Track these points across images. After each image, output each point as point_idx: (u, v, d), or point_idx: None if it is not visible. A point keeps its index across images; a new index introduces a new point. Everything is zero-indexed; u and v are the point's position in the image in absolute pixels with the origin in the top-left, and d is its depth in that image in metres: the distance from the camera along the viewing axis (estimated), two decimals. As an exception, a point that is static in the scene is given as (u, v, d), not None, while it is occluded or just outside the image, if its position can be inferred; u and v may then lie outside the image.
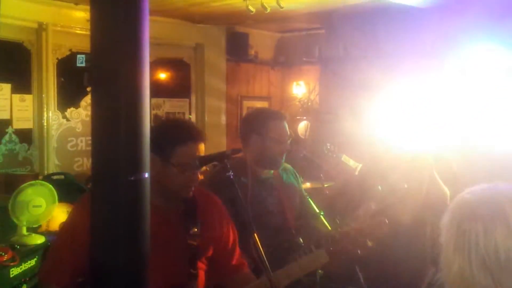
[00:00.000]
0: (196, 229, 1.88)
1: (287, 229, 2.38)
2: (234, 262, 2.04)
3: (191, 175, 1.85)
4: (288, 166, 2.72)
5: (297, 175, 2.75)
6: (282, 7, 4.60)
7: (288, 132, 2.57)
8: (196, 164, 1.83)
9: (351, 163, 4.15)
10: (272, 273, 1.90)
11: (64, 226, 1.93)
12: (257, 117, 2.62)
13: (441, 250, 1.17)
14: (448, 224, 1.17)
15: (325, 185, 4.16)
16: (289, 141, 2.55)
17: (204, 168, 4.15)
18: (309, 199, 2.70)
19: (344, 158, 4.26)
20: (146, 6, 1.36)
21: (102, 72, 1.35)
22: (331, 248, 2.00)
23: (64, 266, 1.76)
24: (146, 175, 1.34)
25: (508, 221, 1.09)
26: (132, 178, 1.29)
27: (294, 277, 1.95)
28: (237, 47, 6.39)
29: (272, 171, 2.59)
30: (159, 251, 1.73)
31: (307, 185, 4.13)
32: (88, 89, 5.39)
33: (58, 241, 1.91)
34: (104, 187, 1.33)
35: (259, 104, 6.72)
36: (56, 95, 5.08)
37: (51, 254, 1.95)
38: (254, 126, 2.55)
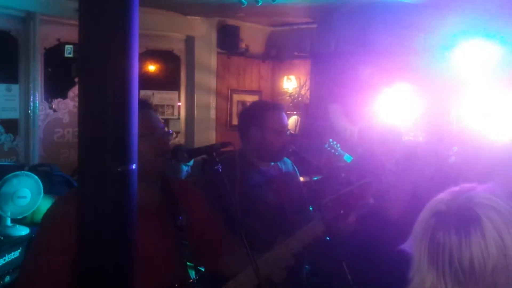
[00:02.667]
0: (181, 221, 1.84)
1: (284, 222, 2.37)
2: (223, 244, 2.02)
3: (159, 138, 1.78)
4: (287, 159, 2.72)
5: (296, 168, 2.75)
6: (273, 0, 4.58)
7: (287, 123, 2.57)
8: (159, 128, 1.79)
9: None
10: (273, 248, 1.90)
11: (43, 225, 1.72)
12: (255, 109, 2.61)
13: (412, 262, 1.08)
14: (420, 235, 1.07)
15: (314, 178, 4.15)
16: (288, 132, 2.55)
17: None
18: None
19: (346, 157, 4.25)
20: (136, -4, 1.34)
21: (90, 63, 1.33)
22: (325, 216, 2.01)
23: (41, 279, 1.63)
24: (134, 166, 1.32)
25: (484, 230, 1.01)
26: (119, 170, 1.27)
27: (294, 250, 1.95)
28: (228, 40, 6.35)
29: (272, 163, 2.58)
30: (152, 252, 1.70)
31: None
32: (76, 80, 5.33)
33: (33, 249, 1.74)
34: (91, 178, 1.31)
35: (249, 98, 6.70)
36: (43, 85, 5.02)
37: (28, 257, 1.80)
38: (252, 118, 2.54)
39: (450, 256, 1.01)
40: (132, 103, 1.33)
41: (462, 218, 1.02)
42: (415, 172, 2.89)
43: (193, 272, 1.82)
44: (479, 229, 1.00)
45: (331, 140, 4.39)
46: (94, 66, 1.31)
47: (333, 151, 4.32)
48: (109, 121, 1.29)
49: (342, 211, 2.00)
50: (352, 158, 4.23)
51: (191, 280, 1.79)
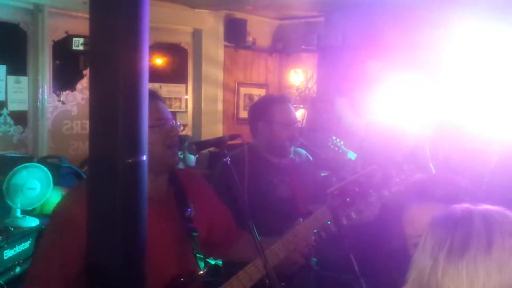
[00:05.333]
0: (190, 212, 1.86)
1: (298, 215, 2.39)
2: (232, 233, 2.04)
3: (168, 129, 1.78)
4: (301, 150, 2.73)
5: (310, 159, 2.75)
6: (281, -6, 4.56)
7: (295, 115, 2.57)
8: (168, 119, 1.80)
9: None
10: (279, 237, 1.93)
11: (53, 221, 1.75)
12: (262, 104, 2.63)
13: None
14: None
15: (322, 174, 4.16)
16: (297, 124, 2.56)
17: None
18: None
19: (350, 154, 4.23)
20: (146, -12, 1.34)
21: (101, 55, 1.34)
22: (332, 204, 2.02)
23: (53, 269, 1.64)
24: (144, 157, 1.33)
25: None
26: (130, 161, 1.29)
27: (301, 237, 1.98)
28: (235, 33, 6.34)
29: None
30: (160, 244, 1.71)
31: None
32: (85, 72, 5.35)
33: (46, 239, 1.76)
34: (102, 169, 1.33)
35: (256, 91, 6.69)
36: (51, 77, 5.04)
37: (38, 255, 1.80)
38: (259, 113, 2.56)
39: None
40: (142, 95, 1.35)
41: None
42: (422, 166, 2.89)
43: (203, 264, 1.84)
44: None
45: (334, 137, 4.37)
46: (105, 58, 1.32)
47: (336, 148, 4.30)
48: (119, 112, 1.30)
49: (348, 199, 2.02)
50: (356, 155, 4.21)
51: (200, 272, 1.80)
